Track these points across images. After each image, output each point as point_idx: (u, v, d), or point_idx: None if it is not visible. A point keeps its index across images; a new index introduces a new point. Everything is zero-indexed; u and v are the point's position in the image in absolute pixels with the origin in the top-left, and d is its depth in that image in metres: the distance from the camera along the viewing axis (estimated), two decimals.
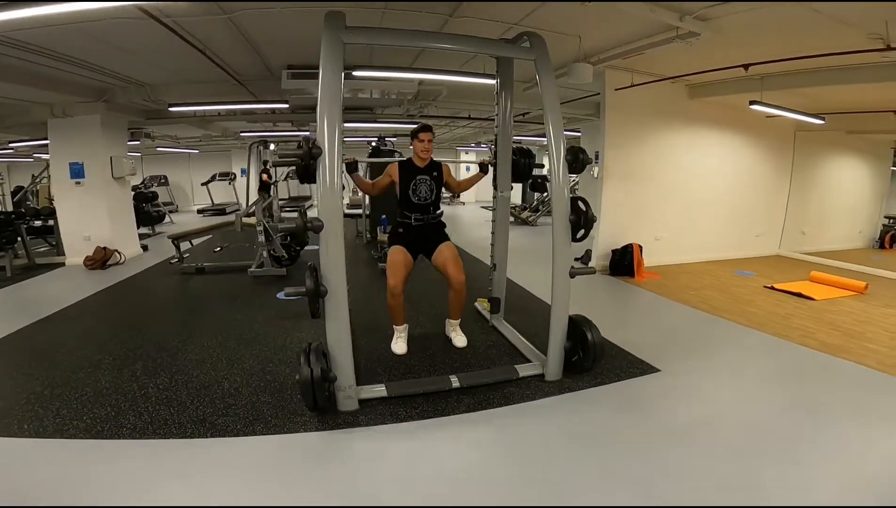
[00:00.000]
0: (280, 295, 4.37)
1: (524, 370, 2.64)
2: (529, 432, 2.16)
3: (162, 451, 1.92)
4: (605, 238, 5.48)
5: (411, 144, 2.97)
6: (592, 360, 2.57)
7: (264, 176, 11.21)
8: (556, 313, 2.56)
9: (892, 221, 8.06)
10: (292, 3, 3.08)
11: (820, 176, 7.26)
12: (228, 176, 11.96)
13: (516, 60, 3.07)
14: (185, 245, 5.96)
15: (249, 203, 8.68)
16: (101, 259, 5.59)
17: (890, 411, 2.40)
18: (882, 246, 7.73)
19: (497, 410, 2.32)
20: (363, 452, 1.96)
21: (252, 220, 5.46)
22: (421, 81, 5.17)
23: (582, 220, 2.50)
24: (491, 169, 3.24)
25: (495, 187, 3.37)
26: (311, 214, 2.14)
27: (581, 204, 2.51)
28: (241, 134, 8.67)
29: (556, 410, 2.36)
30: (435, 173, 2.97)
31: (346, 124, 8.56)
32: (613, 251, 5.40)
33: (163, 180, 11.30)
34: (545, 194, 10.02)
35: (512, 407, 2.36)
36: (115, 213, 6.00)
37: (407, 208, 2.94)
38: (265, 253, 5.22)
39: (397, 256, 2.88)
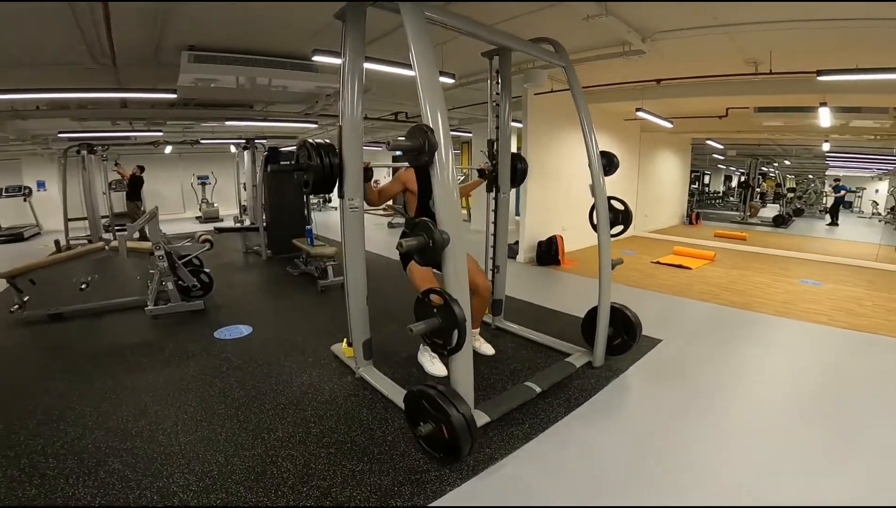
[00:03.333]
0: (218, 334, 3.52)
1: (576, 362, 2.73)
2: (642, 412, 2.39)
3: None
4: (530, 232, 5.92)
5: None
6: (635, 340, 2.81)
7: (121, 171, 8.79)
8: (603, 304, 2.71)
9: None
10: None
11: (653, 168, 9.16)
12: (21, 191, 8.88)
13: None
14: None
15: (130, 222, 6.50)
16: None
17: (806, 342, 3.40)
18: (690, 222, 10.18)
19: (591, 403, 2.42)
20: (549, 483, 1.83)
21: (141, 244, 4.25)
22: None
23: (620, 218, 2.70)
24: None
25: (489, 190, 3.36)
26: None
27: (618, 203, 2.70)
28: (60, 134, 6.54)
29: (637, 389, 2.62)
30: None
31: (224, 123, 7.27)
32: (539, 243, 5.88)
33: None
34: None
35: (597, 398, 2.47)
36: None
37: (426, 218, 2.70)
38: (170, 284, 4.11)
39: (424, 272, 2.64)
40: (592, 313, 2.89)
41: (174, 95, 4.50)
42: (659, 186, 9.35)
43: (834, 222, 11.54)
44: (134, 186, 8.97)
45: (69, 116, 6.02)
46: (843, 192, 12.60)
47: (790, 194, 11.63)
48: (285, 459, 1.93)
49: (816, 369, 2.90)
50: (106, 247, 4.64)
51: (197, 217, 11.10)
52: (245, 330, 3.62)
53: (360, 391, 2.54)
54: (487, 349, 3.04)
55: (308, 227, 5.22)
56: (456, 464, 1.86)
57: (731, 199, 14.10)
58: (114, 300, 4.26)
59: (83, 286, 4.35)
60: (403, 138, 1.75)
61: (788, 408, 2.41)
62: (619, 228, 2.77)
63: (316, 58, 3.55)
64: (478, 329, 3.12)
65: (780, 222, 10.36)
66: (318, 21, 3.42)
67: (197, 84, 4.37)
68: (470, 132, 8.54)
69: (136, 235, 4.39)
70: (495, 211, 3.39)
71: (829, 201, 12.61)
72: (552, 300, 4.40)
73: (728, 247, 7.37)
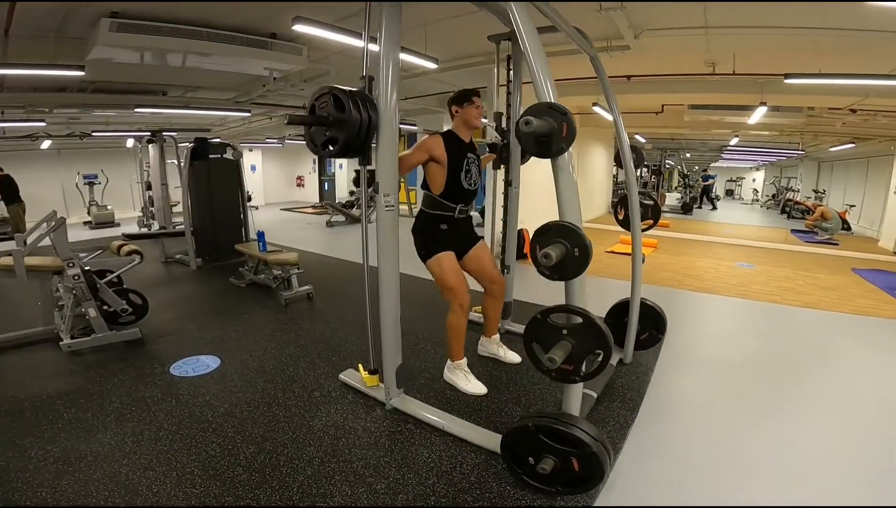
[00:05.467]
0: (177, 370, 2.85)
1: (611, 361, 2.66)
2: (705, 402, 2.47)
3: None
4: (498, 227, 5.81)
5: (455, 111, 2.38)
6: (664, 334, 2.80)
7: None
8: (635, 299, 2.66)
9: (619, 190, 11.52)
10: None
11: (589, 160, 9.64)
12: None
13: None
14: None
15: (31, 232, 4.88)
16: None
17: (783, 322, 3.76)
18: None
19: (648, 401, 2.40)
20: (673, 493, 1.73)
21: (44, 260, 3.32)
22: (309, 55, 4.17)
23: (650, 212, 2.66)
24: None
25: (496, 168, 3.28)
26: None
27: (648, 199, 2.66)
28: None
29: (681, 381, 2.68)
30: (476, 152, 2.49)
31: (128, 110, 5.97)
32: None
33: None
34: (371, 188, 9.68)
35: (650, 395, 2.47)
36: None
37: (454, 196, 2.36)
38: (92, 311, 3.26)
39: (452, 262, 2.40)
40: (615, 309, 2.84)
41: (82, 73, 3.58)
42: (591, 179, 9.88)
43: (705, 206, 13.54)
44: (8, 188, 7.35)
45: None
46: (710, 180, 14.61)
47: (685, 184, 13.10)
48: None
49: (825, 350, 3.21)
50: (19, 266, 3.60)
51: (86, 222, 9.26)
52: (211, 362, 2.98)
53: (400, 425, 2.18)
54: (513, 356, 2.85)
55: (260, 230, 4.54)
56: (581, 494, 1.65)
57: None
58: (11, 334, 3.28)
59: None
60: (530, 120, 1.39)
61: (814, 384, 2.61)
62: (649, 222, 2.73)
63: (298, 27, 2.99)
64: (497, 335, 2.91)
65: (687, 209, 11.61)
66: None
67: (113, 60, 3.54)
68: (416, 124, 8.20)
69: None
70: (505, 207, 3.20)
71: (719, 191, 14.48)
72: (536, 296, 4.33)
73: (658, 234, 8.00)
